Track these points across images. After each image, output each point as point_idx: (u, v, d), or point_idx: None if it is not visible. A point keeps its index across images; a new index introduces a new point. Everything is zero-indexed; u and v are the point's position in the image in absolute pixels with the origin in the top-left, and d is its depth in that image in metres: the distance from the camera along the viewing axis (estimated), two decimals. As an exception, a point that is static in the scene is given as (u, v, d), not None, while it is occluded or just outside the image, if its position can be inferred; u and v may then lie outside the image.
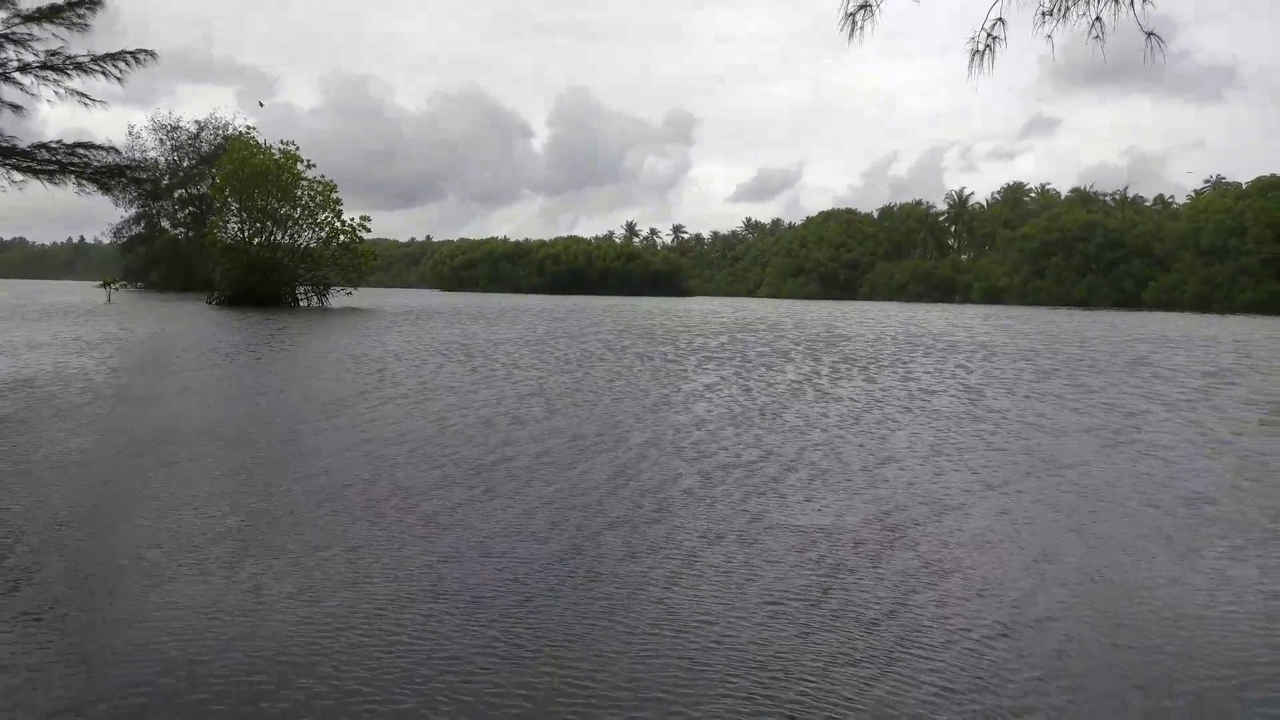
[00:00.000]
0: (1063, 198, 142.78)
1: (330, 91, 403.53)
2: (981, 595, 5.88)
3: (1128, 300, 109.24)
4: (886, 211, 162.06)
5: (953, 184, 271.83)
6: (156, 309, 48.47)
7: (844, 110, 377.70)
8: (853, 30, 11.75)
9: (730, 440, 11.19)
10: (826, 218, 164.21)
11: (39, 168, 16.26)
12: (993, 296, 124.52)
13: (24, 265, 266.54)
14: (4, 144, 15.49)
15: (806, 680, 4.57)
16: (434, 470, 9.24)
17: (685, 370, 19.50)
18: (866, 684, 4.54)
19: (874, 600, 5.73)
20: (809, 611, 5.51)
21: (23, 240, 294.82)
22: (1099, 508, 8.23)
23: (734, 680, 4.56)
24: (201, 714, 4.13)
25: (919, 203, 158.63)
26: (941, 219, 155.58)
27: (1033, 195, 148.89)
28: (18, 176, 15.77)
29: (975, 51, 11.92)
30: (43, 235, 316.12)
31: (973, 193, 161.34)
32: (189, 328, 31.89)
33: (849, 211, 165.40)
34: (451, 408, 13.51)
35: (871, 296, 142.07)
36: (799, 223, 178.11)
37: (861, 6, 11.59)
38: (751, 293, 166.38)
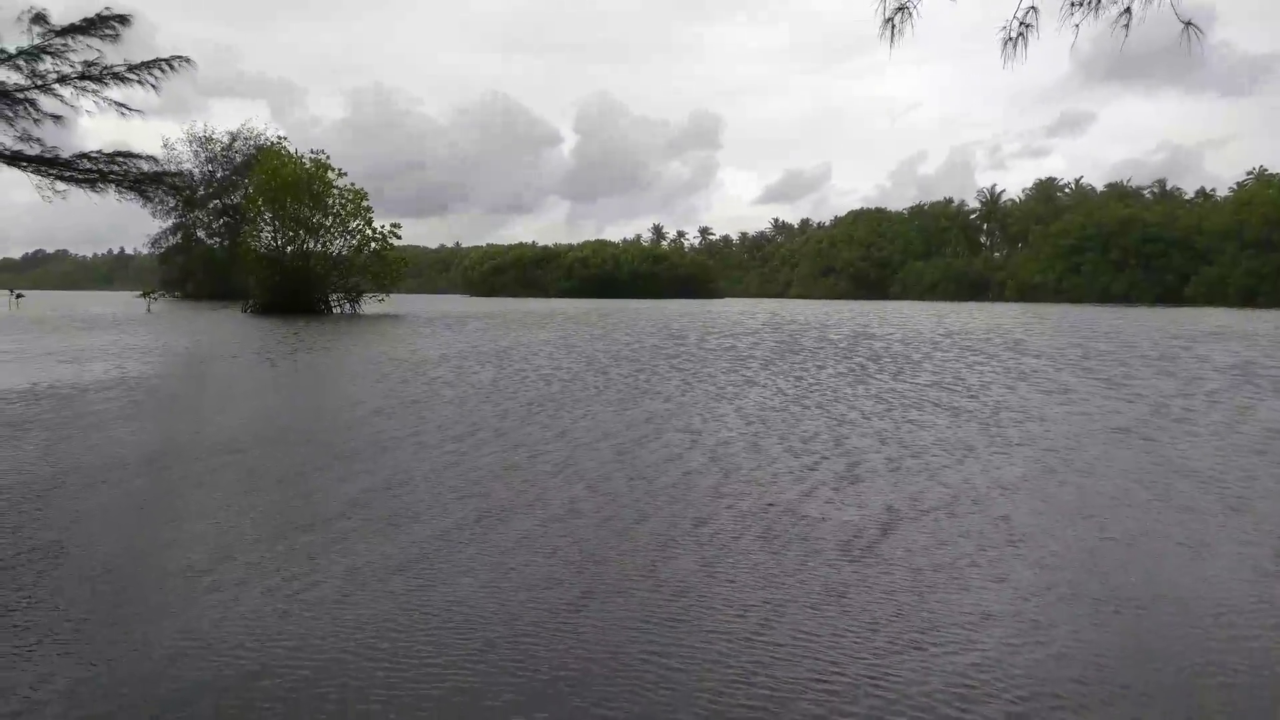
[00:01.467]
0: (1098, 192, 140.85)
1: (357, 103, 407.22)
2: None
3: (1169, 295, 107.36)
4: (916, 210, 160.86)
5: (982, 182, 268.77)
6: (195, 318, 49.10)
7: (869, 112, 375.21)
8: (892, 34, 11.64)
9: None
10: (856, 217, 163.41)
11: (80, 177, 16.47)
12: (1026, 294, 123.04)
13: (67, 277, 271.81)
14: (47, 154, 15.69)
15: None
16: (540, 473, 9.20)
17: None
18: None
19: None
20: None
21: (65, 252, 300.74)
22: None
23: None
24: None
25: (949, 201, 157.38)
26: (973, 216, 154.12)
27: (1066, 191, 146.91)
28: (60, 186, 16.00)
29: (1008, 39, 11.75)
30: (84, 248, 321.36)
31: (1004, 190, 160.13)
32: (229, 335, 32.23)
33: (878, 211, 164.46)
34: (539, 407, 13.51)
35: (902, 295, 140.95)
36: (828, 223, 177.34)
37: (899, 9, 11.47)
38: (781, 293, 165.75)
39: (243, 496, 7.83)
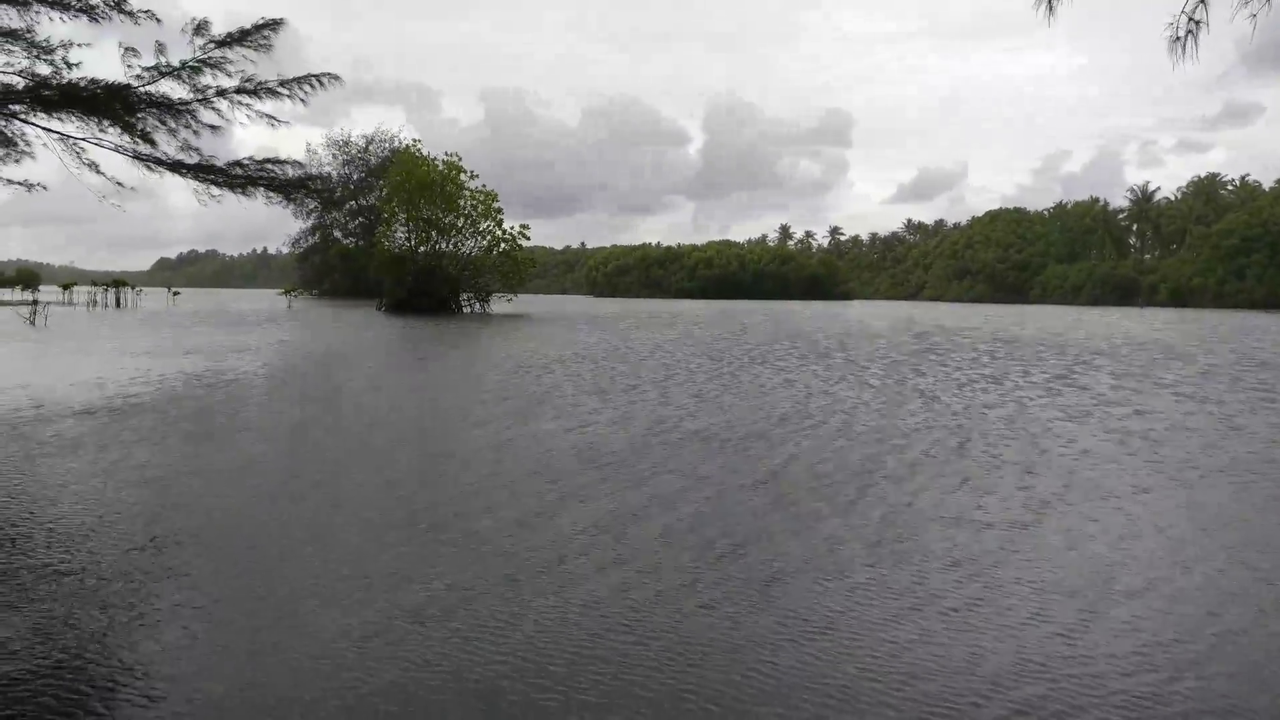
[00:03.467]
0: (1266, 190, 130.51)
1: (489, 105, 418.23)
2: None
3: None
4: (1059, 210, 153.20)
5: (1133, 179, 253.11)
6: (334, 315, 50.50)
7: (1012, 105, 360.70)
8: (1050, 9, 10.32)
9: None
10: (994, 218, 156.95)
11: (233, 182, 16.59)
12: (1181, 298, 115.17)
13: (216, 275, 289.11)
14: (204, 162, 15.87)
15: None
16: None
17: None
18: None
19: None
20: None
21: (214, 252, 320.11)
22: None
23: None
24: None
25: (1095, 200, 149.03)
26: (1121, 217, 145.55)
27: (1230, 188, 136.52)
28: (215, 191, 16.18)
29: (1175, 39, 10.23)
30: (231, 248, 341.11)
31: (1158, 188, 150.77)
32: (377, 333, 32.80)
33: (1018, 211, 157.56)
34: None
35: (1043, 299, 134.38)
36: (964, 223, 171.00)
37: None
38: (913, 296, 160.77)
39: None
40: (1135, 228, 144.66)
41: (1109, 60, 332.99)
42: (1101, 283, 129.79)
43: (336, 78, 18.32)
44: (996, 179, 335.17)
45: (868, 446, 10.70)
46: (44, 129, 16.30)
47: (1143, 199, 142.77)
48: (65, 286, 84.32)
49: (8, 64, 15.31)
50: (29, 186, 17.45)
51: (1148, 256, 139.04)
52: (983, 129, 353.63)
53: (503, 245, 58.23)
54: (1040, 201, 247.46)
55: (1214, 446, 10.98)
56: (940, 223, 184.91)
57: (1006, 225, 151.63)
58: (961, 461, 9.87)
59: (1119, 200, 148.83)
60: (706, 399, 14.98)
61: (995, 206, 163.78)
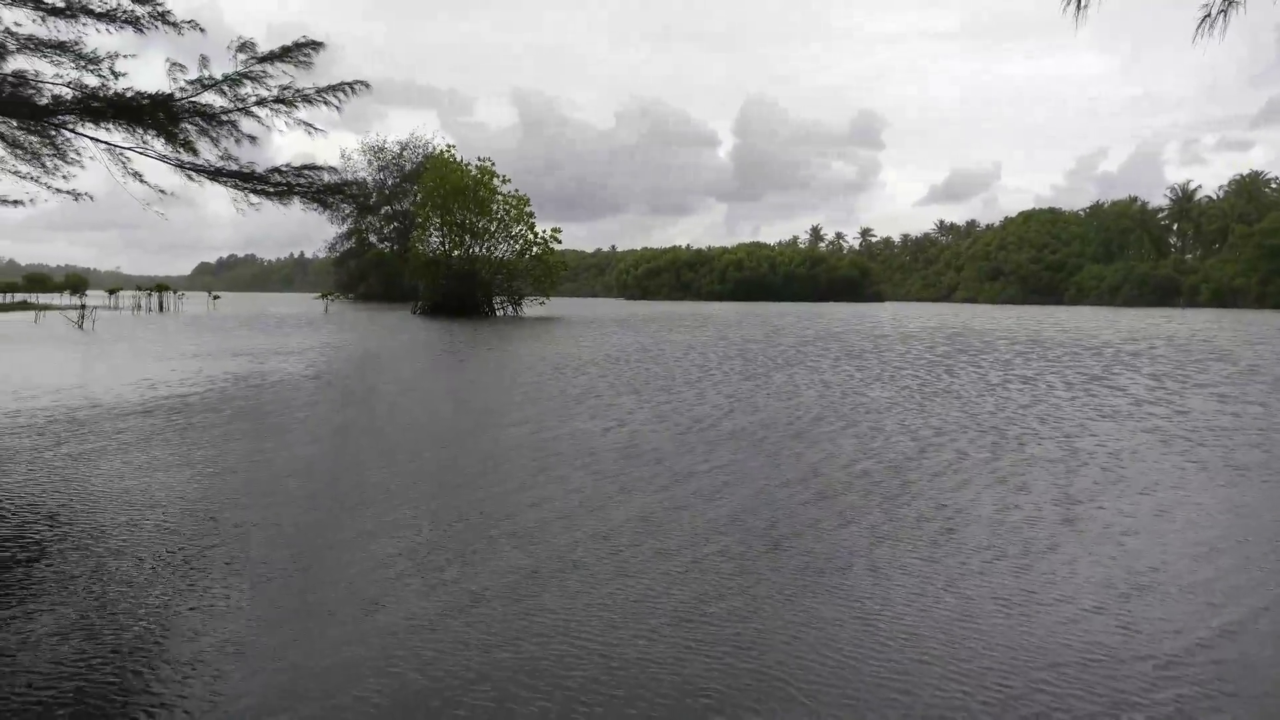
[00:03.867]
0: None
1: (521, 109, 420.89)
2: None
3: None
4: (1095, 210, 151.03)
5: (1173, 178, 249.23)
6: (371, 319, 51.12)
7: (1046, 104, 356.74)
8: (1079, 10, 10.27)
9: None
10: (1027, 218, 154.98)
11: (271, 190, 16.94)
12: (1223, 299, 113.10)
13: (254, 279, 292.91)
14: (244, 170, 16.23)
15: None
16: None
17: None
18: None
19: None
20: None
21: (253, 257, 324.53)
22: None
23: None
24: None
25: (1133, 199, 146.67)
26: (1160, 216, 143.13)
27: (1273, 186, 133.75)
28: (254, 199, 16.53)
29: (1206, 15, 10.15)
30: (269, 253, 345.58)
31: (1199, 186, 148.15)
32: (415, 335, 33.19)
33: (1052, 211, 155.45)
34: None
35: (1078, 300, 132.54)
36: (996, 224, 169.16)
37: None
38: (945, 298, 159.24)
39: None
40: (1175, 227, 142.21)
41: (1147, 58, 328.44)
42: (1140, 283, 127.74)
43: (365, 84, 18.74)
44: (1030, 179, 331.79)
45: (906, 444, 10.77)
46: (91, 139, 16.80)
47: (1183, 198, 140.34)
48: (111, 291, 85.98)
49: (57, 75, 15.78)
50: (76, 196, 17.98)
51: (1189, 256, 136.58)
52: (1016, 129, 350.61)
53: (535, 249, 58.62)
54: (1075, 202, 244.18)
55: (1257, 446, 10.92)
56: (972, 223, 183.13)
57: (1040, 225, 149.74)
58: (1000, 460, 9.91)
59: (1158, 199, 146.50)
60: (741, 399, 15.09)
61: (1029, 207, 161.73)
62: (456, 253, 58.61)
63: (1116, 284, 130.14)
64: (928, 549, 6.44)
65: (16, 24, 15.14)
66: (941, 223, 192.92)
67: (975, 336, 35.68)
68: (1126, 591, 5.58)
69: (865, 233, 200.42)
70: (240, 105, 16.76)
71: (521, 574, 5.76)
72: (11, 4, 15.32)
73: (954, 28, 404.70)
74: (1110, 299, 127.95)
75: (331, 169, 19.86)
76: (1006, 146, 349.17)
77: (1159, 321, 56.40)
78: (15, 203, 18.43)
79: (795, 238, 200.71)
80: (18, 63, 15.63)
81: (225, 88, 15.50)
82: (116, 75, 16.02)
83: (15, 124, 16.43)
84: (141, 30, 15.81)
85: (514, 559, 6.08)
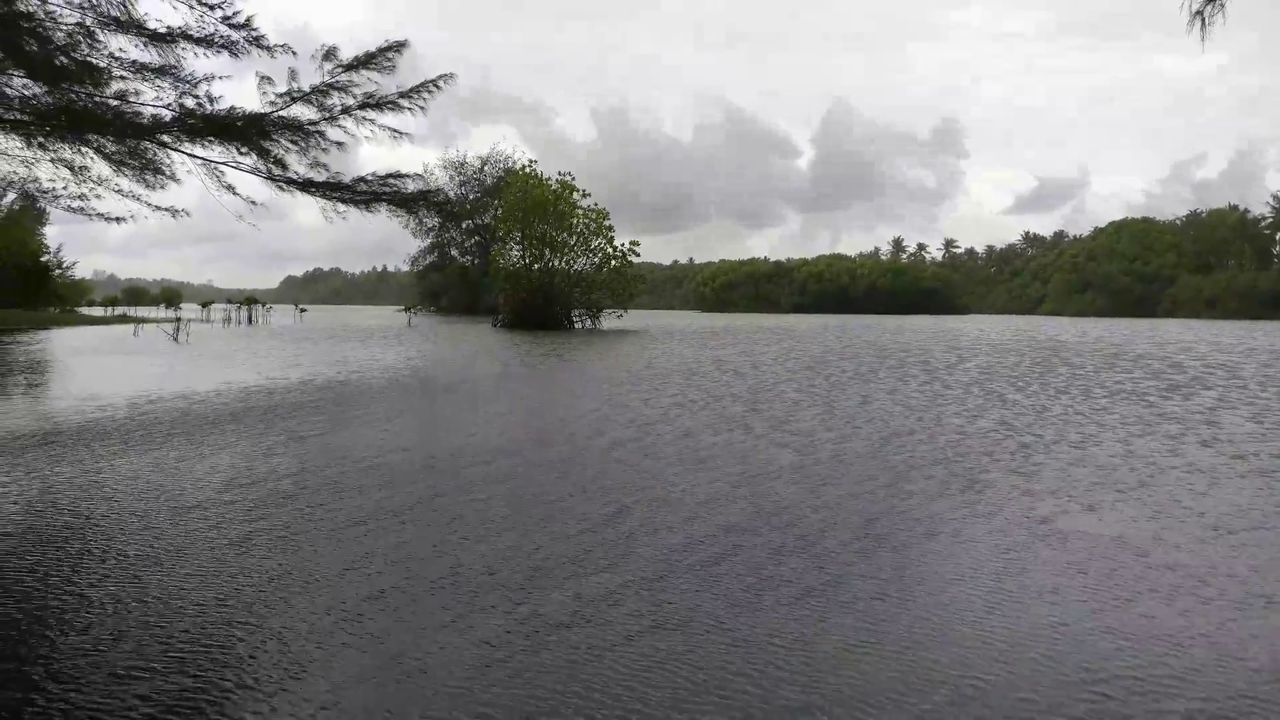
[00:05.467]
0: None
1: (602, 121, 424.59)
2: None
3: None
4: (1192, 219, 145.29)
5: (1276, 185, 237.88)
6: (453, 331, 52.01)
7: (1139, 107, 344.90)
8: (1202, 26, 9.77)
9: None
10: (1118, 228, 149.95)
11: (358, 198, 17.29)
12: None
13: (339, 292, 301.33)
14: (332, 179, 16.59)
15: None
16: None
17: None
18: None
19: None
20: None
21: (338, 270, 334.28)
22: None
23: None
24: None
25: (1234, 208, 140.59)
26: (1263, 225, 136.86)
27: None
28: (341, 208, 16.87)
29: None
30: (353, 265, 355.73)
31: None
32: (506, 348, 33.56)
33: (1145, 220, 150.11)
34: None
35: (1173, 313, 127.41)
36: (1084, 235, 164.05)
37: (1210, 1, 9.64)
38: (1031, 310, 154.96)
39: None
40: (1279, 237, 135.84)
41: (1247, 60, 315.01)
42: (1240, 295, 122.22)
43: (451, 76, 18.91)
44: (1121, 187, 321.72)
45: (1012, 457, 10.36)
46: (189, 155, 17.43)
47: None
48: (204, 305, 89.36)
49: (158, 98, 16.43)
50: (174, 213, 18.69)
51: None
52: (1107, 133, 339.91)
53: (613, 262, 58.92)
54: (1169, 210, 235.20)
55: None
56: (1060, 234, 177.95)
57: (1132, 235, 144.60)
58: (1112, 473, 9.44)
59: (1260, 208, 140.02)
60: (837, 411, 14.77)
61: (1120, 215, 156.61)
62: (536, 266, 59.27)
63: (1215, 296, 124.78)
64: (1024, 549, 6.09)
65: (121, 50, 15.83)
66: (1027, 233, 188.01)
67: (1087, 354, 34.44)
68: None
69: (949, 244, 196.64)
70: (328, 115, 17.17)
71: (644, 580, 5.60)
72: (117, 31, 16.02)
73: (1040, 27, 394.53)
74: (1207, 311, 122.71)
75: (417, 175, 20.21)
76: (1097, 152, 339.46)
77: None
78: (118, 220, 19.24)
79: (876, 249, 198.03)
80: (120, 86, 16.33)
81: (313, 99, 15.91)
82: (213, 100, 16.63)
83: (117, 143, 17.16)
84: (236, 55, 16.37)
85: (638, 563, 5.93)
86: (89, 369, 23.11)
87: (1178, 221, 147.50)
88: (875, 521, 7.27)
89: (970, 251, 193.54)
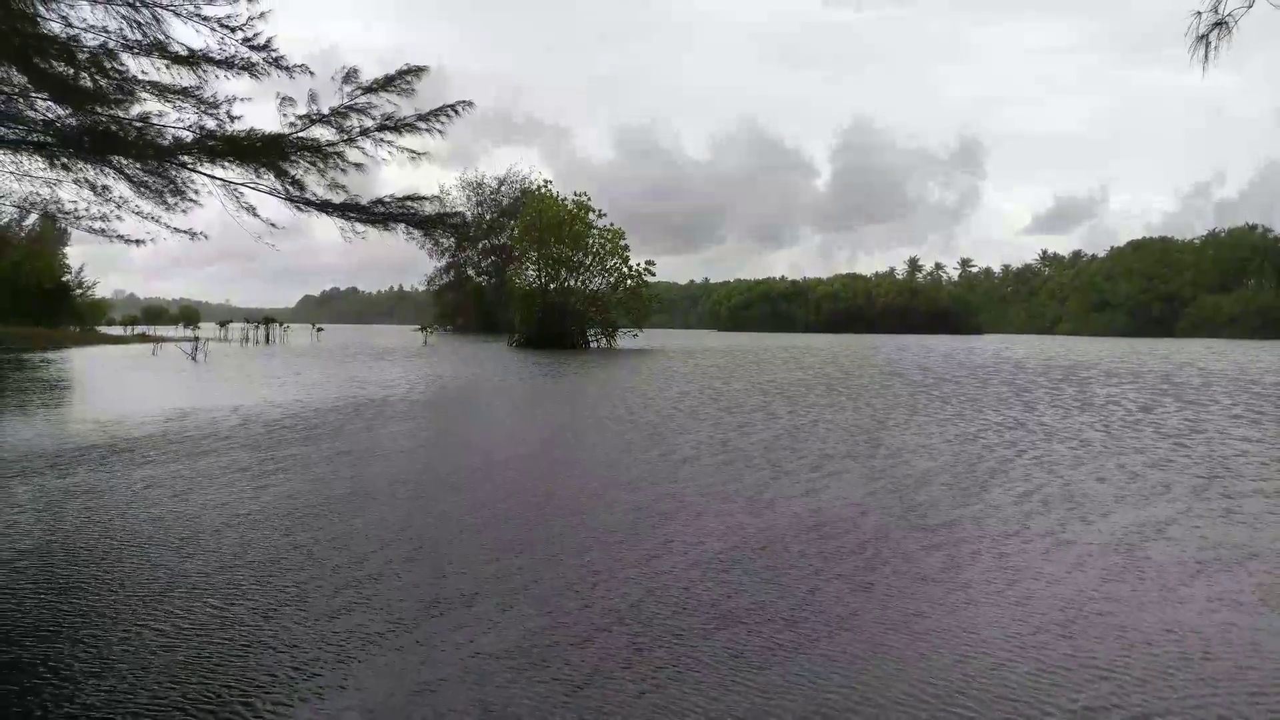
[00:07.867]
0: None
1: (620, 141, 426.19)
2: None
3: None
4: (1212, 239, 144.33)
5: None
6: (470, 351, 52.12)
7: (1157, 124, 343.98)
8: (1206, 52, 9.66)
9: None
10: (1137, 247, 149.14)
11: (375, 219, 17.34)
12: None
13: (355, 311, 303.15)
14: (350, 201, 16.64)
15: None
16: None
17: None
18: None
19: None
20: None
21: (355, 289, 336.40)
22: None
23: None
24: None
25: (1254, 227, 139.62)
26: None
27: None
28: (359, 228, 16.92)
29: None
30: (370, 285, 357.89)
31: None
32: (511, 366, 33.59)
33: (1163, 240, 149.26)
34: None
35: (1192, 333, 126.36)
36: (1102, 254, 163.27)
37: (1216, 25, 9.49)
38: (1049, 330, 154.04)
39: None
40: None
41: (1267, 78, 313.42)
42: (1261, 314, 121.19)
43: (469, 103, 18.96)
44: (1140, 206, 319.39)
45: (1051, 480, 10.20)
46: (209, 176, 17.54)
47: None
48: (222, 324, 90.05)
49: (179, 119, 16.56)
50: (193, 235, 18.76)
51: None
52: (1126, 151, 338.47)
53: (629, 282, 59.00)
54: (1189, 230, 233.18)
55: None
56: (1078, 254, 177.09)
57: (1151, 255, 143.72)
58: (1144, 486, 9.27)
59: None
60: (862, 435, 14.64)
61: (1138, 234, 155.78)
62: (552, 286, 59.40)
63: (1235, 315, 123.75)
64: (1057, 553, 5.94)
65: (143, 72, 15.97)
66: (1045, 253, 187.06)
67: (1112, 373, 34.13)
68: None
69: (965, 263, 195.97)
70: (346, 136, 17.23)
71: (669, 586, 5.50)
72: (139, 54, 16.17)
73: (1060, 45, 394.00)
74: (1227, 331, 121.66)
75: (435, 198, 20.30)
76: (1117, 171, 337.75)
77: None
78: (137, 242, 19.34)
79: (892, 269, 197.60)
80: (141, 108, 16.46)
81: (332, 120, 15.98)
82: (233, 118, 16.73)
83: (139, 165, 17.29)
84: (257, 76, 16.49)
85: (663, 576, 5.84)
86: (123, 385, 23.33)
87: (1197, 241, 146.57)
88: None
89: (987, 271, 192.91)
